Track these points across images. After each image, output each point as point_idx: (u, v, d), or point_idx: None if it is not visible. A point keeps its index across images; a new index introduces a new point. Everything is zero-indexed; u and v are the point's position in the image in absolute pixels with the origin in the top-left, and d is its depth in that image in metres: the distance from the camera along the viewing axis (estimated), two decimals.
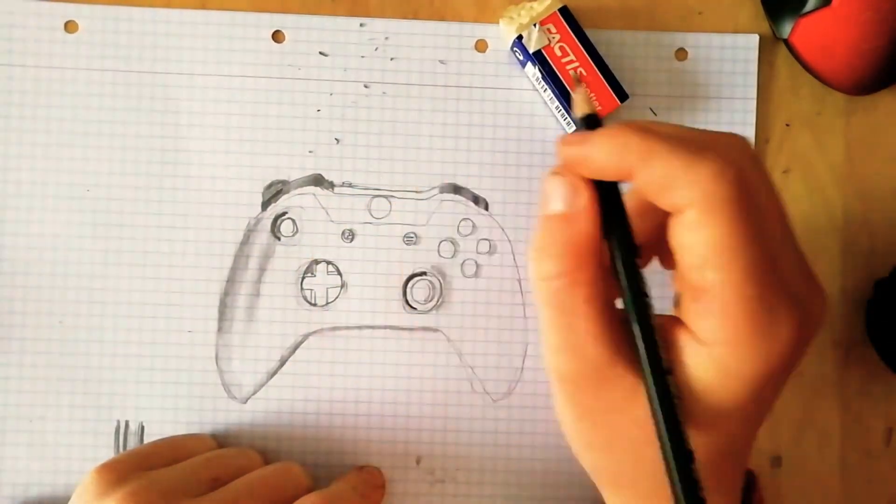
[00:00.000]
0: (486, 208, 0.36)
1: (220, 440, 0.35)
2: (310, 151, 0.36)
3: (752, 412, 0.23)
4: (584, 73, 0.33)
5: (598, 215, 0.23)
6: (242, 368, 0.36)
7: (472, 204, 0.36)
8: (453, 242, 0.36)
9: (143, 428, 0.35)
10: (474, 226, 0.36)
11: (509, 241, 0.36)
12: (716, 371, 0.22)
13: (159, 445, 0.33)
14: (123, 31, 0.36)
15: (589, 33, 0.35)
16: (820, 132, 0.37)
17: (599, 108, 0.32)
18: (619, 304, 0.23)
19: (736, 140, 0.23)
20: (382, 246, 0.36)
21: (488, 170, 0.36)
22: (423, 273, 0.36)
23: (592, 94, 0.34)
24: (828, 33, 0.34)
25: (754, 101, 0.36)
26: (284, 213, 0.36)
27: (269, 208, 0.36)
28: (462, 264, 0.36)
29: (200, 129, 0.36)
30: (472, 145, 0.36)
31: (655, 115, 0.36)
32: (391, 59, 0.36)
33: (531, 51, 0.34)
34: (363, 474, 0.34)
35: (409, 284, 0.36)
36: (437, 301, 0.36)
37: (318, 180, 0.36)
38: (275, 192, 0.36)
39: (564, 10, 0.35)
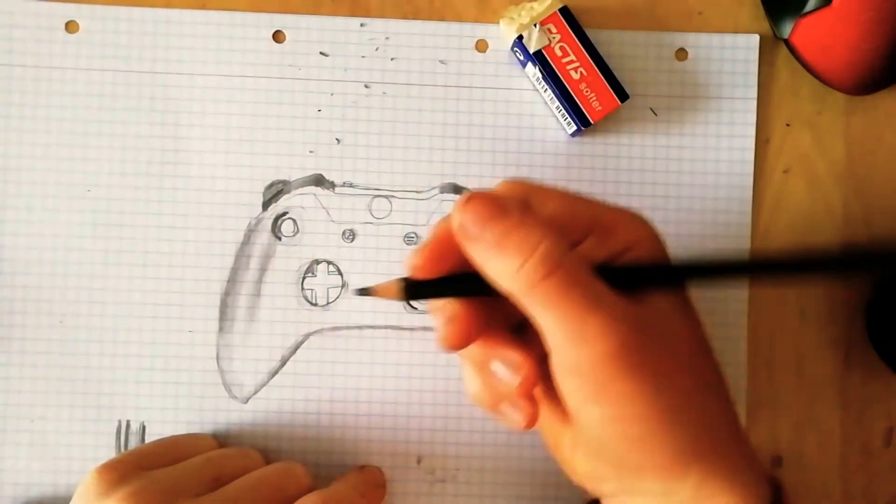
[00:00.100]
0: None
1: (221, 440, 0.35)
2: (310, 151, 0.36)
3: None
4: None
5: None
6: (243, 368, 0.36)
7: None
8: None
9: (144, 428, 0.35)
10: None
11: None
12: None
13: (160, 445, 0.33)
14: (123, 31, 0.36)
15: (589, 33, 0.35)
16: (820, 132, 0.37)
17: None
18: None
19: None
20: (383, 246, 0.36)
21: (488, 170, 0.36)
22: None
23: (593, 94, 0.34)
24: (828, 33, 0.34)
25: (754, 101, 0.36)
26: (285, 213, 0.36)
27: (269, 208, 0.36)
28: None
29: (200, 129, 0.36)
30: (472, 145, 0.36)
31: (656, 114, 0.36)
32: (391, 59, 0.36)
33: (531, 51, 0.34)
34: (364, 474, 0.34)
35: None
36: None
37: (318, 180, 0.36)
38: (275, 192, 0.36)
39: (565, 10, 0.35)
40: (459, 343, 0.25)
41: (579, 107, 0.34)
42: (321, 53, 0.36)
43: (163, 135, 0.36)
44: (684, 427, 0.24)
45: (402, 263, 0.36)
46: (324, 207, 0.36)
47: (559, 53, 0.34)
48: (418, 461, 0.36)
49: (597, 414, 0.24)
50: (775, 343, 0.33)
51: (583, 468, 0.26)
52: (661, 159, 0.36)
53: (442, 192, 0.36)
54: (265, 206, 0.36)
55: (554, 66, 0.34)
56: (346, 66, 0.36)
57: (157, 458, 0.31)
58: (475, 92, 0.36)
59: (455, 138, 0.36)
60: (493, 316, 0.26)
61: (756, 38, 0.36)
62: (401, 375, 0.36)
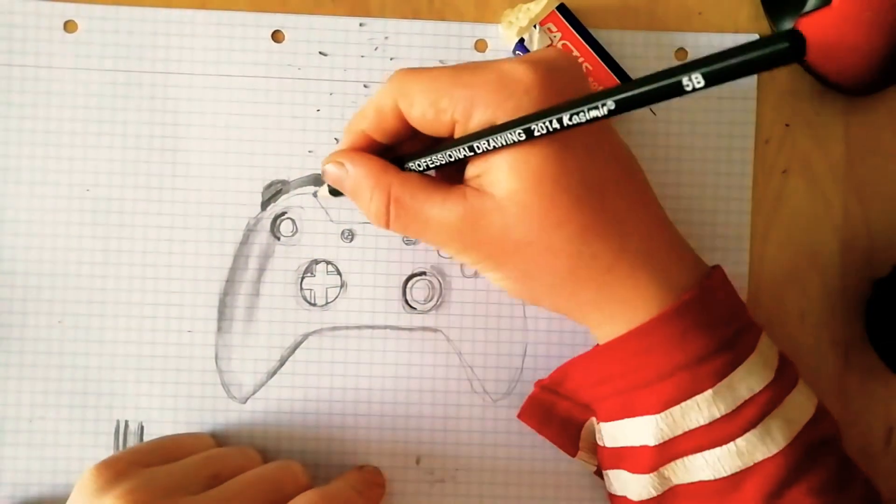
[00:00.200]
0: None
1: (220, 440, 0.35)
2: (310, 151, 0.36)
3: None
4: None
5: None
6: (242, 368, 0.36)
7: None
8: None
9: (142, 428, 0.35)
10: None
11: None
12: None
13: (158, 444, 0.33)
14: (123, 31, 0.36)
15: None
16: (820, 132, 0.37)
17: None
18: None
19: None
20: (382, 246, 0.36)
21: None
22: (423, 273, 0.36)
23: (601, 88, 0.34)
24: (828, 33, 0.34)
25: (754, 101, 0.36)
26: (284, 213, 0.36)
27: (268, 208, 0.36)
28: (462, 264, 0.36)
29: (199, 129, 0.36)
30: None
31: (655, 114, 0.36)
32: (391, 59, 0.36)
33: None
34: (363, 474, 0.34)
35: (409, 284, 0.36)
36: (437, 301, 0.36)
37: (318, 180, 0.36)
38: (274, 192, 0.36)
39: (562, 8, 0.35)
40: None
41: None
42: (320, 53, 0.36)
43: (162, 135, 0.36)
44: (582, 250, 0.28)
45: (401, 263, 0.36)
46: (323, 207, 0.36)
47: None
48: (417, 461, 0.36)
49: (493, 277, 0.30)
50: (775, 343, 0.33)
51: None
52: (660, 159, 0.36)
53: None
54: (264, 205, 0.36)
55: None
56: (346, 66, 0.36)
57: (155, 456, 0.31)
58: None
59: None
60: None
61: (756, 38, 0.36)
62: (399, 375, 0.36)
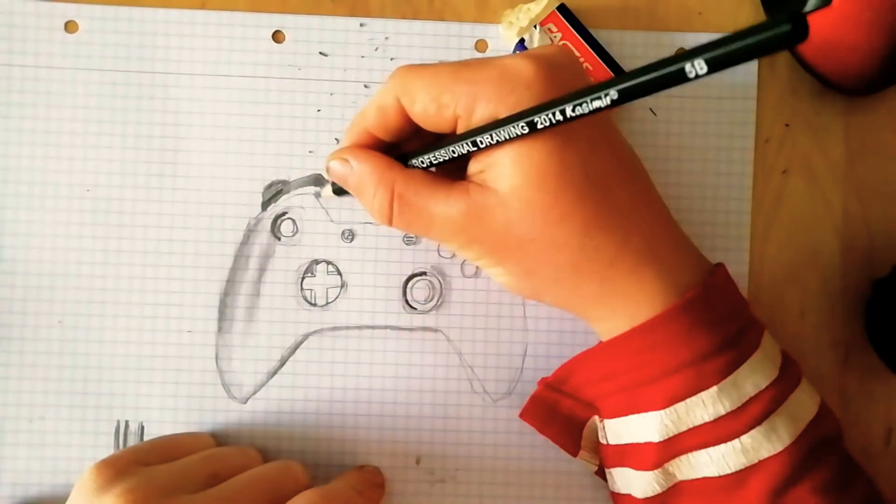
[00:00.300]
0: None
1: (220, 440, 0.35)
2: (310, 151, 0.36)
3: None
4: None
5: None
6: (242, 368, 0.36)
7: None
8: None
9: (142, 428, 0.35)
10: None
11: None
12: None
13: (158, 443, 0.33)
14: (123, 31, 0.36)
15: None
16: (820, 132, 0.37)
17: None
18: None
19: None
20: (382, 246, 0.36)
21: None
22: (423, 273, 0.36)
23: None
24: (828, 33, 0.34)
25: (754, 101, 0.36)
26: (284, 213, 0.36)
27: (269, 208, 0.36)
28: (462, 264, 0.36)
29: (200, 129, 0.36)
30: None
31: (655, 115, 0.36)
32: (391, 59, 0.36)
33: None
34: (363, 474, 0.34)
35: (409, 284, 0.36)
36: (437, 301, 0.36)
37: (318, 180, 0.36)
38: (275, 192, 0.36)
39: (563, 8, 0.35)
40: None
41: None
42: (321, 53, 0.36)
43: (162, 135, 0.36)
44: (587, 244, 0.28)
45: (401, 263, 0.36)
46: (323, 207, 0.36)
47: None
48: (417, 461, 0.36)
49: (495, 272, 0.30)
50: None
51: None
52: (660, 159, 0.36)
53: None
54: (264, 206, 0.36)
55: None
56: (346, 67, 0.36)
57: (155, 455, 0.31)
58: None
59: None
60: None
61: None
62: (399, 375, 0.36)
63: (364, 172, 0.30)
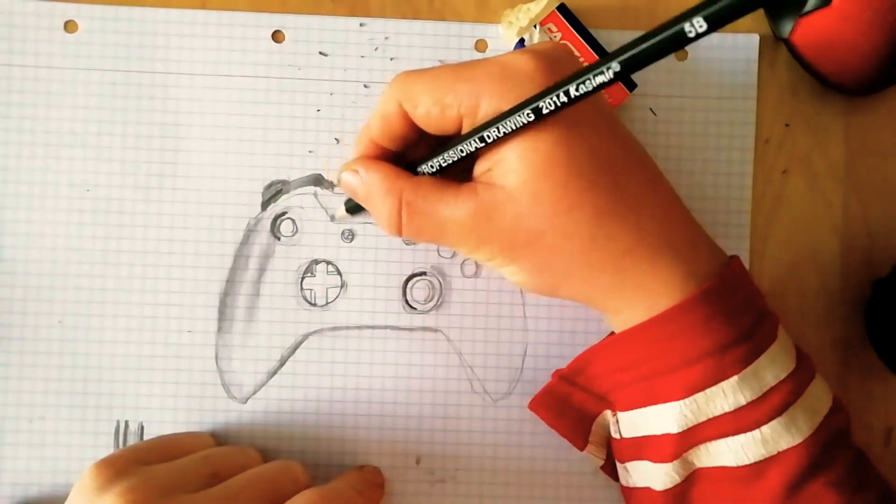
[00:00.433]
0: None
1: (220, 440, 0.35)
2: (309, 151, 0.36)
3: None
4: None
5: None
6: (242, 368, 0.36)
7: None
8: None
9: (142, 428, 0.35)
10: None
11: None
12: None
13: (158, 442, 0.33)
14: (123, 31, 0.36)
15: None
16: (820, 132, 0.37)
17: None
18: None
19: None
20: (382, 246, 0.36)
21: None
22: (423, 273, 0.36)
23: None
24: (828, 33, 0.34)
25: (754, 101, 0.36)
26: (284, 213, 0.36)
27: (268, 208, 0.36)
28: (462, 264, 0.36)
29: (200, 129, 0.36)
30: None
31: (655, 115, 0.36)
32: (391, 59, 0.36)
33: None
34: (362, 474, 0.34)
35: (409, 284, 0.36)
36: (437, 301, 0.36)
37: (318, 180, 0.36)
38: (275, 191, 0.36)
39: (563, 8, 0.35)
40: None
41: None
42: (321, 53, 0.36)
43: (162, 135, 0.36)
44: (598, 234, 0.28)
45: (401, 263, 0.36)
46: (323, 207, 0.36)
47: None
48: (417, 461, 0.36)
49: (508, 271, 0.30)
50: None
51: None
52: (660, 159, 0.36)
53: None
54: (264, 205, 0.36)
55: None
56: (346, 66, 0.36)
57: (155, 454, 0.31)
58: None
59: None
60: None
61: (756, 37, 0.36)
62: (399, 375, 0.36)
63: (372, 182, 0.30)
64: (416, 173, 0.30)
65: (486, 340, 0.36)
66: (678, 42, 0.21)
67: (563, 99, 0.24)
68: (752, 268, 0.36)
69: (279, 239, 0.36)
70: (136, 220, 0.36)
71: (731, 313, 0.29)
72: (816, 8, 0.34)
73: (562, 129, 0.27)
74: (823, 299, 0.36)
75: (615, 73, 0.23)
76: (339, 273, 0.36)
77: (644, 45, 0.22)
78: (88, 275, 0.35)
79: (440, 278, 0.36)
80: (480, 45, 0.36)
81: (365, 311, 0.36)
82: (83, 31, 0.36)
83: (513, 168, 0.27)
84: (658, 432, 0.30)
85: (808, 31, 0.34)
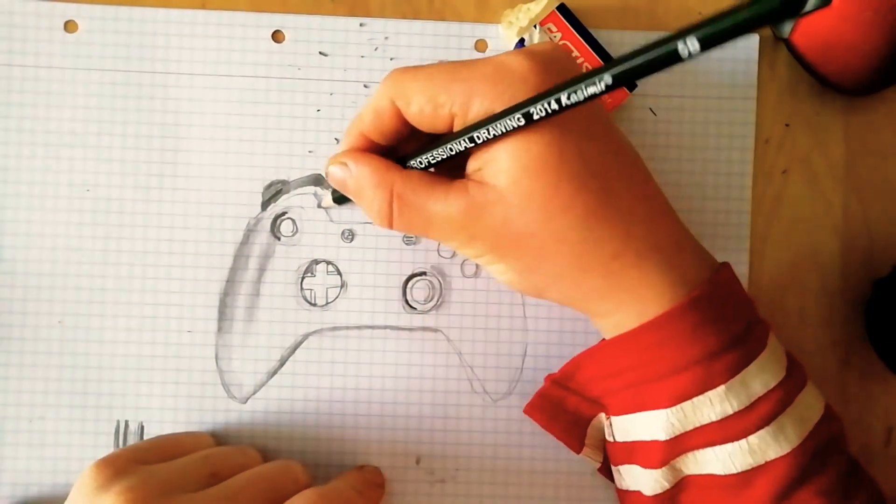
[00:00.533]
0: None
1: (220, 440, 0.35)
2: (310, 151, 0.36)
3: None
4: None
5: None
6: (242, 368, 0.36)
7: None
8: None
9: (142, 428, 0.35)
10: None
11: None
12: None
13: (158, 442, 0.33)
14: (123, 31, 0.36)
15: None
16: (820, 132, 0.37)
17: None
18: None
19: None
20: (382, 246, 0.36)
21: None
22: (423, 273, 0.36)
23: None
24: (828, 33, 0.34)
25: (754, 101, 0.36)
26: (284, 213, 0.36)
27: (268, 208, 0.36)
28: (462, 264, 0.36)
29: (200, 129, 0.36)
30: None
31: (655, 114, 0.36)
32: (391, 59, 0.36)
33: None
34: (363, 473, 0.34)
35: (409, 284, 0.36)
36: (437, 301, 0.36)
37: (318, 180, 0.36)
38: (275, 192, 0.36)
39: (563, 8, 0.35)
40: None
41: None
42: (321, 53, 0.36)
43: (162, 135, 0.36)
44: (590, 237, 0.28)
45: (401, 263, 0.36)
46: (323, 207, 0.36)
47: None
48: (417, 461, 0.36)
49: (496, 270, 0.30)
50: None
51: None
52: (660, 159, 0.36)
53: None
54: (264, 206, 0.36)
55: None
56: (346, 66, 0.36)
57: (155, 454, 0.31)
58: None
59: None
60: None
61: (756, 38, 0.36)
62: (399, 375, 0.36)
63: (362, 175, 0.30)
64: (405, 167, 0.30)
65: (486, 340, 0.36)
66: (671, 60, 0.21)
67: (555, 106, 0.24)
68: (752, 268, 0.36)
69: (279, 239, 0.36)
70: (136, 220, 0.36)
71: (720, 321, 0.29)
72: (816, 8, 0.34)
73: (554, 132, 0.27)
74: (823, 299, 0.36)
75: (606, 86, 0.23)
76: (339, 273, 0.36)
77: (637, 61, 0.22)
78: (88, 275, 0.35)
79: (440, 278, 0.36)
80: (480, 45, 0.36)
81: (365, 311, 0.36)
82: (83, 31, 0.36)
83: (504, 168, 0.27)
84: (647, 438, 0.30)
85: (808, 31, 0.34)
